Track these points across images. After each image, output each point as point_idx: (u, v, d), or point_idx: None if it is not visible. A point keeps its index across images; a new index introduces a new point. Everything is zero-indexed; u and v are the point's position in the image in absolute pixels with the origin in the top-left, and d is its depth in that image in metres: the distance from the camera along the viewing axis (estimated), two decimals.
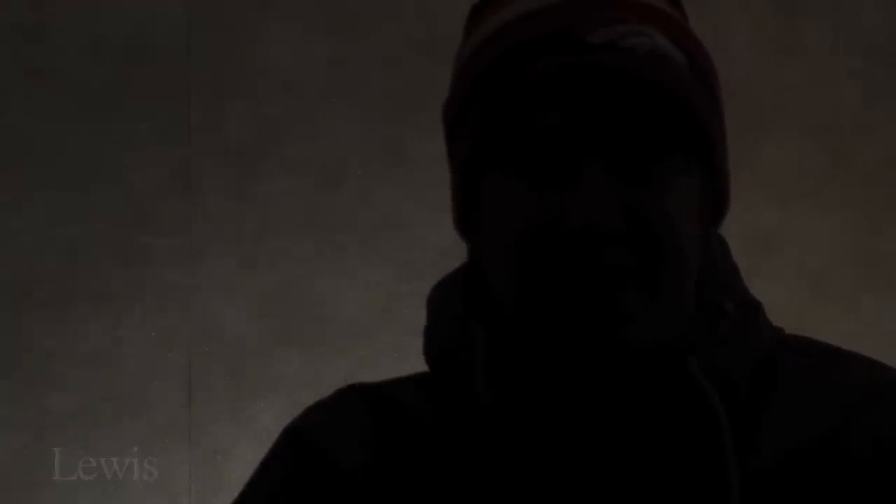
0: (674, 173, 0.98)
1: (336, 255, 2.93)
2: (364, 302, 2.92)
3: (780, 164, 3.08)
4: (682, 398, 0.99)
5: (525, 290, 0.99)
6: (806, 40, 3.12)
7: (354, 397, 1.10)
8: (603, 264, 0.96)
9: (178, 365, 2.86)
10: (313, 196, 2.93)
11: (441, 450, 1.03)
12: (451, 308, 1.07)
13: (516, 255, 0.98)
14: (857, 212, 3.10)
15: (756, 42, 3.11)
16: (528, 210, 0.98)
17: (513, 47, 0.99)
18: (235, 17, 2.95)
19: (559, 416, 1.00)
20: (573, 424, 1.00)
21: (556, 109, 0.97)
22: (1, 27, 2.87)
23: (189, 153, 2.91)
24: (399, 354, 2.85)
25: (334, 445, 1.07)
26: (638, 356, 0.99)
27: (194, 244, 2.89)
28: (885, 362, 1.08)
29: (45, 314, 2.83)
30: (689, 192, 0.99)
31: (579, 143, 0.97)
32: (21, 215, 2.84)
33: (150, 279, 2.87)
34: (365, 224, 2.94)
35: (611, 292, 0.96)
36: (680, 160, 0.99)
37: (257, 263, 2.91)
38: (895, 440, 0.99)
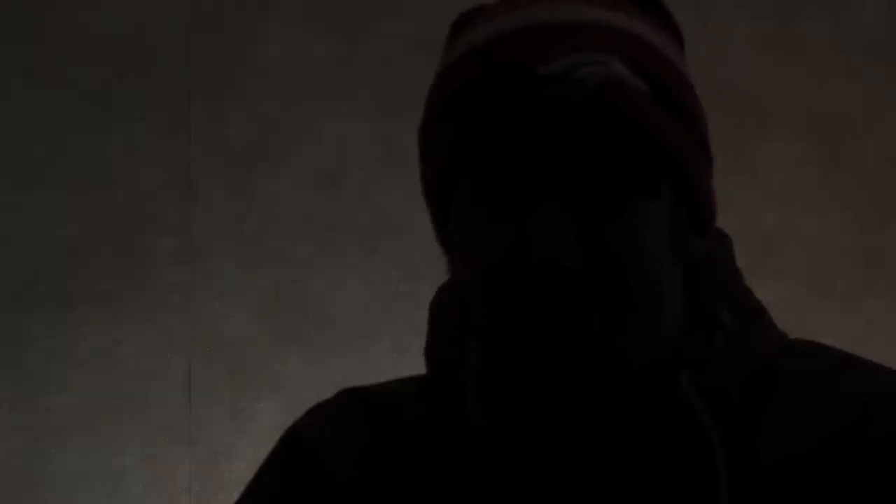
0: (636, 200, 0.97)
1: (336, 255, 2.93)
2: (364, 302, 2.92)
3: (779, 164, 3.08)
4: (672, 416, 0.99)
5: (494, 319, 0.99)
6: (805, 39, 3.12)
7: (354, 402, 1.10)
8: (564, 297, 0.96)
9: (178, 365, 2.86)
10: (313, 196, 2.93)
11: (436, 462, 1.03)
12: (450, 319, 1.07)
13: (483, 287, 0.99)
14: (857, 211, 3.10)
15: (754, 41, 3.10)
16: (490, 243, 0.98)
17: (468, 80, 0.99)
18: (235, 17, 2.95)
19: (550, 439, 1.00)
20: (564, 446, 1.00)
21: (508, 146, 0.96)
22: (1, 27, 2.87)
23: (189, 153, 2.90)
24: (399, 354, 2.84)
25: (332, 451, 1.07)
26: (629, 374, 0.99)
27: (194, 244, 2.89)
28: (885, 362, 1.07)
29: (45, 314, 2.82)
30: (655, 216, 0.98)
31: (533, 178, 0.96)
32: (21, 215, 2.84)
33: (150, 279, 2.86)
34: (365, 224, 2.94)
35: (574, 323, 0.96)
36: (643, 186, 0.98)
37: (257, 263, 2.91)
38: None
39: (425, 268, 2.88)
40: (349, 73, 2.97)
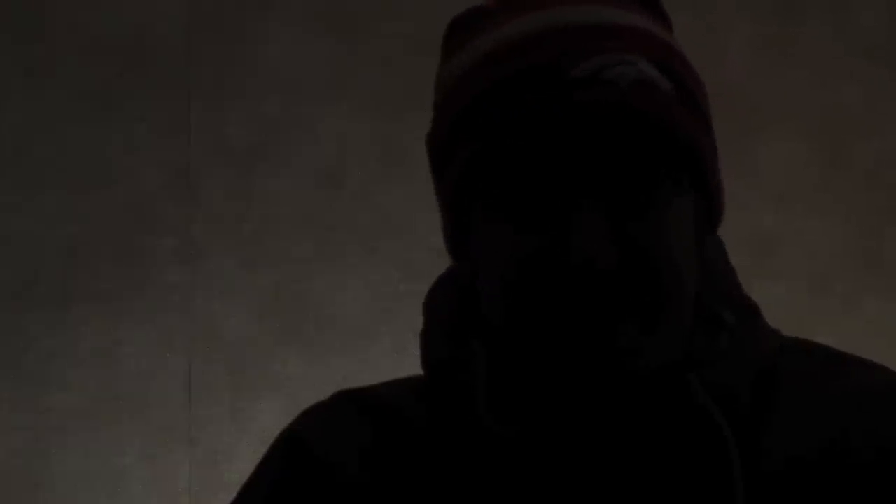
0: (667, 199, 0.98)
1: (336, 255, 2.93)
2: (364, 302, 2.92)
3: (779, 165, 3.08)
4: (684, 416, 0.99)
5: (522, 325, 0.98)
6: (805, 40, 3.12)
7: (350, 403, 1.10)
8: (599, 300, 0.95)
9: (178, 365, 2.86)
10: (313, 196, 2.93)
11: (437, 464, 1.03)
12: (448, 319, 1.06)
13: (511, 294, 0.98)
14: (857, 213, 3.10)
15: (754, 42, 3.10)
16: (520, 252, 0.97)
17: (494, 85, 0.97)
18: (235, 17, 2.95)
19: (561, 440, 1.00)
20: (576, 447, 1.00)
21: (543, 151, 0.96)
22: (1, 27, 2.87)
23: (189, 153, 2.90)
24: (399, 355, 2.84)
25: (332, 452, 1.06)
26: (638, 377, 0.98)
27: (194, 244, 2.89)
28: (885, 363, 1.08)
29: (45, 314, 2.82)
30: (683, 214, 0.99)
31: (570, 182, 0.96)
32: (21, 215, 2.84)
33: (150, 279, 2.86)
34: (365, 224, 2.94)
35: (607, 327, 0.96)
36: (672, 184, 0.98)
37: (257, 263, 2.91)
38: None
39: (425, 268, 2.88)
40: (349, 73, 2.97)
